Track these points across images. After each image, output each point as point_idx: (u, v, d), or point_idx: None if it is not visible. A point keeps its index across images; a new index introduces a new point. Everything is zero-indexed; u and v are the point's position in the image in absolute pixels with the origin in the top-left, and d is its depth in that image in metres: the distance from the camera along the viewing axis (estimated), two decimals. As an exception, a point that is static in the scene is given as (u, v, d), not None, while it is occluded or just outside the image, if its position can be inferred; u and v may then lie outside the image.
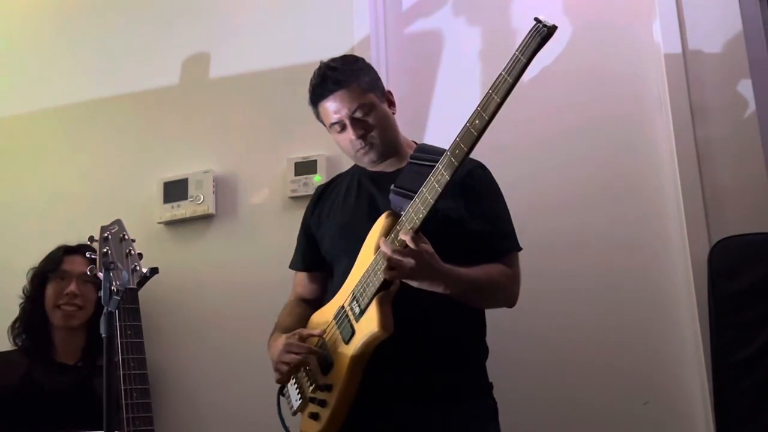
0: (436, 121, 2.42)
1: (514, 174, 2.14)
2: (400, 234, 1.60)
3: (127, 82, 2.69)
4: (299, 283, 2.02)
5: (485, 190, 1.83)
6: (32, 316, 2.30)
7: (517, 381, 2.10)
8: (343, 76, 1.82)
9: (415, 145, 1.93)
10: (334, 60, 1.89)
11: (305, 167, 2.40)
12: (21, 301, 2.33)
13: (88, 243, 2.28)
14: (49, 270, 2.30)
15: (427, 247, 1.58)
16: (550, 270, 2.16)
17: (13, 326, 2.32)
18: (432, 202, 1.57)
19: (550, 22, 1.47)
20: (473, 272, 1.68)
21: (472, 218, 1.75)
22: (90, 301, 2.28)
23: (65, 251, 2.32)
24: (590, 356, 2.16)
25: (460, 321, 1.78)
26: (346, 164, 2.12)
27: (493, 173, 1.85)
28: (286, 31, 2.56)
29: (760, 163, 2.10)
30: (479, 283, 1.70)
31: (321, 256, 1.95)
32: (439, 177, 1.57)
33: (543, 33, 1.47)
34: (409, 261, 1.56)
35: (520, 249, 1.81)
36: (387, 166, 1.89)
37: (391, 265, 1.57)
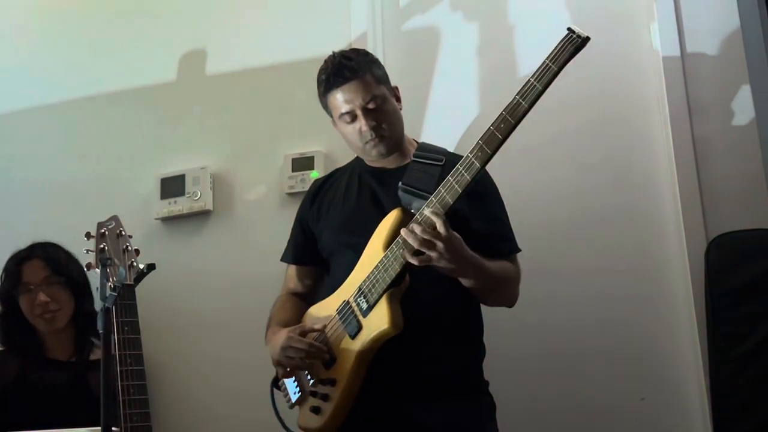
0: (434, 118, 2.41)
1: (511, 171, 2.13)
2: (428, 215, 1.58)
3: (124, 78, 2.69)
4: (291, 277, 2.01)
5: (487, 192, 1.84)
6: (14, 328, 2.28)
7: (515, 378, 2.11)
8: (358, 66, 1.82)
9: (416, 144, 1.94)
10: (345, 51, 1.89)
11: (302, 163, 2.40)
12: None
13: (38, 243, 2.27)
14: (13, 287, 2.26)
15: (455, 233, 1.59)
16: (546, 267, 2.16)
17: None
18: (451, 202, 1.58)
19: (584, 33, 1.48)
20: (493, 265, 1.70)
21: (475, 219, 1.75)
22: (64, 300, 2.26)
23: (18, 262, 2.28)
24: (587, 352, 2.16)
25: (459, 320, 1.79)
26: (343, 160, 2.12)
27: (490, 170, 1.85)
28: (283, 27, 2.56)
29: (757, 160, 2.11)
30: (497, 277, 1.71)
31: (315, 251, 1.94)
32: (459, 178, 1.59)
33: (576, 43, 1.49)
34: (440, 244, 1.56)
35: (519, 250, 1.83)
36: (388, 162, 1.89)
37: (423, 248, 1.56)
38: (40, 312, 2.24)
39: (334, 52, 1.88)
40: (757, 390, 1.87)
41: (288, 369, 1.77)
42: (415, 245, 1.57)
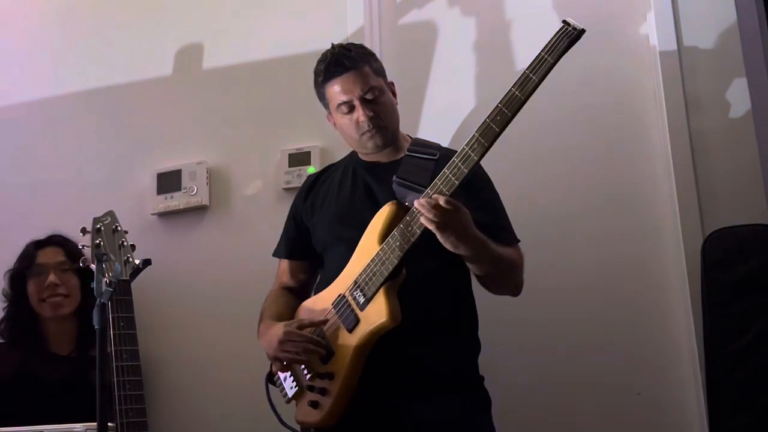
0: (430, 112, 2.41)
1: (508, 165, 2.14)
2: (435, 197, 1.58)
3: (121, 72, 2.69)
4: (283, 272, 2.01)
5: (483, 184, 1.84)
6: (18, 314, 2.30)
7: (510, 373, 2.11)
8: (357, 57, 1.84)
9: (410, 139, 1.94)
10: (344, 44, 1.90)
11: (299, 158, 2.40)
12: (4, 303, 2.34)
13: (58, 234, 2.31)
14: (26, 267, 2.31)
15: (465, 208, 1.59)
16: (543, 262, 2.15)
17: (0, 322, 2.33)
18: (448, 194, 1.58)
19: (579, 25, 1.48)
20: (498, 247, 1.70)
21: (472, 210, 1.75)
22: (74, 288, 2.29)
23: (35, 246, 2.32)
24: (583, 348, 2.16)
25: (455, 315, 1.79)
26: (340, 155, 2.12)
27: (486, 165, 1.84)
28: (279, 21, 2.55)
29: (754, 155, 2.10)
30: (503, 259, 1.71)
31: (309, 245, 1.94)
32: (456, 170, 1.59)
33: (572, 35, 1.50)
34: (451, 218, 1.56)
35: (518, 240, 1.83)
36: (382, 156, 1.89)
37: (435, 215, 1.55)
38: (48, 294, 2.26)
39: (333, 44, 1.89)
40: (753, 385, 1.87)
41: (285, 363, 1.76)
42: (430, 204, 1.56)
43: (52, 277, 2.26)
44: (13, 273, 2.34)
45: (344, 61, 1.81)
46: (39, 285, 2.27)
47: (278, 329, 1.76)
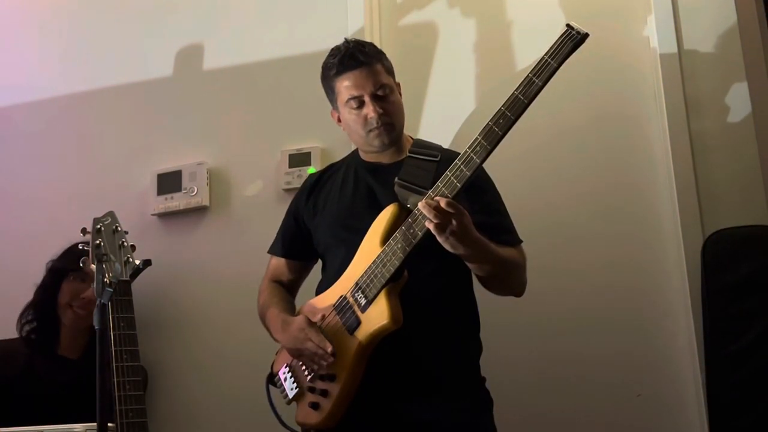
0: (431, 113, 2.41)
1: (509, 168, 2.14)
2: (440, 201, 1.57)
3: (121, 73, 2.69)
4: (277, 268, 1.99)
5: (485, 185, 1.83)
6: (45, 307, 2.30)
7: (511, 374, 2.11)
8: (372, 53, 1.84)
9: (411, 140, 1.94)
10: (357, 39, 1.90)
11: (299, 159, 2.40)
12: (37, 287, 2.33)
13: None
14: (72, 268, 2.27)
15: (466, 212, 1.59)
16: (544, 263, 2.15)
17: (23, 313, 2.32)
18: (450, 197, 1.58)
19: (583, 29, 1.48)
20: (500, 249, 1.70)
21: (474, 212, 1.75)
22: None
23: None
24: (583, 349, 2.16)
25: (456, 316, 1.79)
26: (340, 156, 2.12)
27: (487, 165, 1.84)
28: (280, 22, 2.55)
29: (754, 157, 2.11)
30: (504, 260, 1.71)
31: (307, 246, 1.94)
32: (458, 173, 1.59)
33: (575, 39, 1.50)
34: (451, 220, 1.55)
35: (521, 241, 1.83)
36: (384, 158, 1.88)
37: (435, 217, 1.54)
38: (79, 305, 2.25)
39: (346, 39, 1.88)
40: (753, 386, 1.88)
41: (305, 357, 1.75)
42: (431, 206, 1.55)
43: (89, 293, 2.24)
44: (56, 265, 2.31)
45: (359, 56, 1.81)
46: (74, 291, 2.27)
47: (300, 324, 1.74)
